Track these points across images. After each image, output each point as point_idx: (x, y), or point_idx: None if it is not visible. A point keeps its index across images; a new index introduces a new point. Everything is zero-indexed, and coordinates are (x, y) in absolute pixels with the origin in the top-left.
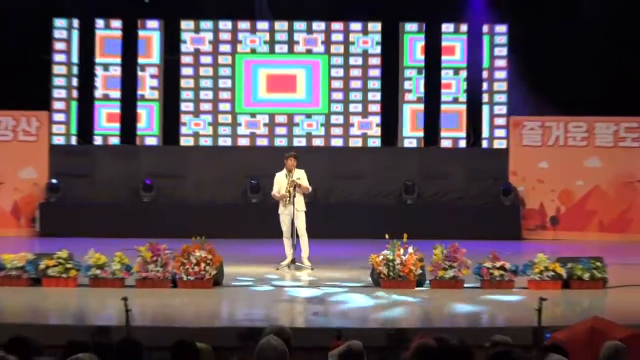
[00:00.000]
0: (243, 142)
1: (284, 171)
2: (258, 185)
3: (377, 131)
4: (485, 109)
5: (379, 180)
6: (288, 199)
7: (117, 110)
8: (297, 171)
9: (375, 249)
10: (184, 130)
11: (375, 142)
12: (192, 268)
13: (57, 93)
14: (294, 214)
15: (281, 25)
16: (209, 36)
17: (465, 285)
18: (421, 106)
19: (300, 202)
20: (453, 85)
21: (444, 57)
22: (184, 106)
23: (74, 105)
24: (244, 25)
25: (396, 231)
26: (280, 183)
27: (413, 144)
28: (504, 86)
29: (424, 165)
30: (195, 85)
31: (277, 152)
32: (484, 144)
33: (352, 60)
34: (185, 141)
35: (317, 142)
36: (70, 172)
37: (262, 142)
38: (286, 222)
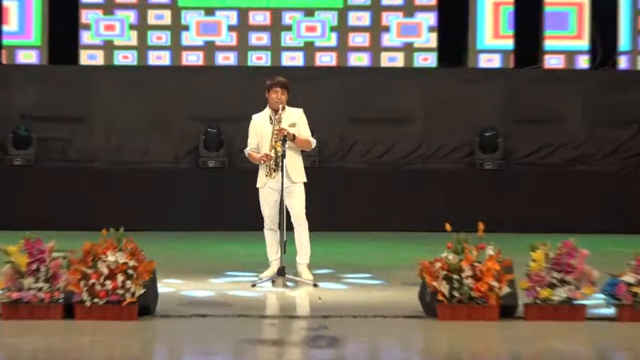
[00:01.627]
0: (192, 59)
1: (267, 112)
2: (219, 137)
3: (429, 40)
4: (625, 3)
5: (432, 128)
6: (274, 162)
7: None
8: (289, 112)
9: (425, 250)
10: (86, 38)
11: (428, 60)
12: (101, 284)
13: None
14: (283, 189)
15: None
16: None
17: (590, 314)
18: None
19: (295, 167)
20: None
21: None
22: None
23: None
24: None
25: (463, 218)
26: (260, 133)
27: (495, 62)
28: None
29: (514, 101)
30: None
31: (253, 77)
32: (622, 62)
33: None
34: (89, 57)
35: (324, 58)
36: None
37: (226, 59)
38: (270, 202)
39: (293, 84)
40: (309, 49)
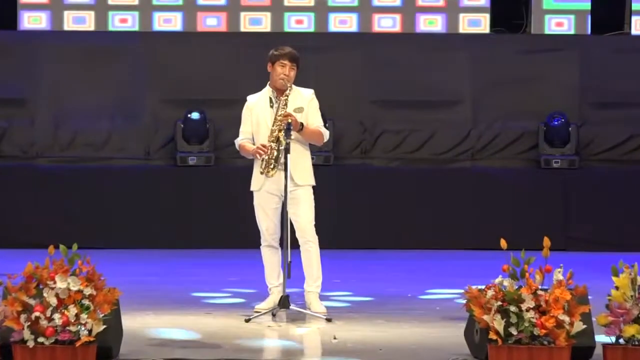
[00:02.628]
0: (167, 22)
1: (267, 92)
2: (203, 126)
3: None
4: None
5: (483, 114)
6: (275, 157)
7: None
8: (297, 93)
9: (473, 274)
10: None
11: (478, 24)
12: (47, 318)
13: None
14: (286, 192)
15: None
16: None
17: None
18: None
19: (301, 165)
20: None
21: None
22: None
23: None
24: None
25: (523, 232)
26: (257, 119)
27: (566, 27)
28: None
29: (591, 78)
30: None
31: (246, 47)
32: None
33: None
34: (33, 21)
35: (341, 22)
36: None
37: (211, 21)
38: (268, 210)
39: (303, 56)
40: (321, 9)
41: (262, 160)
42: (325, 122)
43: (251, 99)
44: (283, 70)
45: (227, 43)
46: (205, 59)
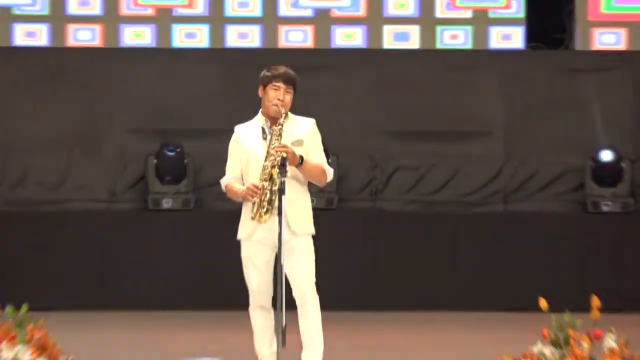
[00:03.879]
0: (136, 36)
1: (259, 121)
2: (180, 162)
3: (514, 6)
4: None
5: (518, 147)
6: (268, 199)
7: None
8: (294, 122)
9: (507, 340)
10: None
11: (511, 38)
12: None
13: None
14: (280, 242)
15: None
16: None
17: None
18: None
19: (299, 209)
20: None
21: None
22: None
23: None
24: None
25: (567, 290)
26: (246, 154)
27: (616, 41)
28: None
29: None
30: None
31: (233, 66)
32: None
33: None
34: None
35: (346, 36)
36: None
37: (190, 35)
38: (259, 263)
39: (304, 76)
40: (323, 20)
41: (254, 204)
42: (328, 157)
43: (240, 129)
44: (276, 94)
45: (209, 61)
46: (183, 80)
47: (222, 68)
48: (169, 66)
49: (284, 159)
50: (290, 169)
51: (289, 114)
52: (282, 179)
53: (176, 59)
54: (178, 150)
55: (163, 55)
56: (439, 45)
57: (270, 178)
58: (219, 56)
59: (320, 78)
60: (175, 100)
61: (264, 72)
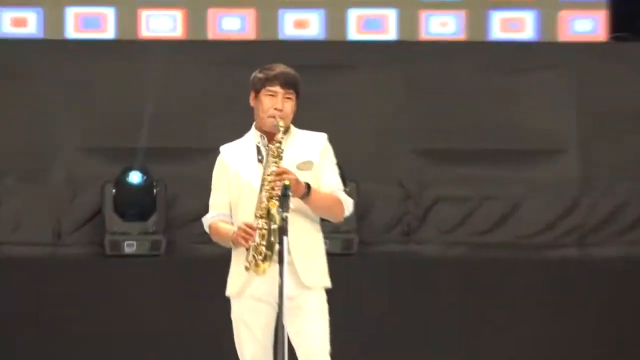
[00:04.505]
0: (85, 27)
1: (252, 139)
2: (148, 192)
3: None
4: None
5: (598, 170)
6: (267, 241)
7: None
8: (299, 139)
9: None
10: None
11: (586, 27)
12: None
13: None
14: (282, 300)
15: None
16: None
17: None
18: None
19: (309, 255)
20: None
21: None
22: None
23: None
24: None
25: None
26: (238, 183)
27: None
28: None
29: None
30: None
31: (220, 63)
32: None
33: None
34: None
35: (368, 25)
36: None
37: (160, 23)
38: (256, 327)
39: (305, 79)
40: (336, 5)
41: (248, 249)
42: (345, 184)
43: (227, 150)
44: (273, 102)
45: (186, 58)
46: (151, 82)
47: (204, 67)
48: (134, 63)
49: (285, 188)
50: (295, 201)
51: (292, 127)
52: (285, 215)
53: (143, 55)
54: (145, 176)
55: (126, 49)
56: (491, 37)
57: (269, 214)
58: (198, 51)
59: (334, 80)
60: (141, 109)
61: (255, 74)
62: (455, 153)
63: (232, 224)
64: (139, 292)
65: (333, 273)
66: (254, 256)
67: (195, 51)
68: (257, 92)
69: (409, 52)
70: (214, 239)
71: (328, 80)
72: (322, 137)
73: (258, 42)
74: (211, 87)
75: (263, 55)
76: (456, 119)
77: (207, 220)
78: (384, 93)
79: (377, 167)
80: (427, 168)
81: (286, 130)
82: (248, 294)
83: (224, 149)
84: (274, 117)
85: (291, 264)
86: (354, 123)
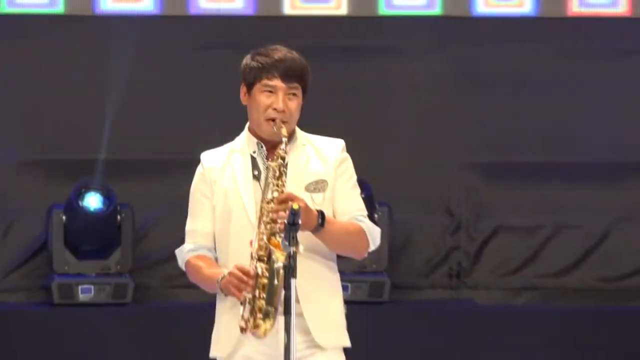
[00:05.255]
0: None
1: (244, 147)
2: (112, 216)
3: None
4: None
5: None
6: (267, 290)
7: None
8: (304, 146)
9: None
10: None
11: None
12: None
13: None
14: None
15: None
16: None
17: None
18: None
19: (324, 305)
20: None
21: None
22: None
23: None
24: None
25: None
26: (224, 204)
27: None
28: None
29: None
30: None
31: (204, 47)
32: None
33: None
34: None
35: None
36: None
37: None
38: None
39: (317, 67)
40: None
41: (243, 303)
42: (372, 210)
43: (211, 159)
44: (271, 99)
45: (162, 37)
46: (113, 72)
47: (184, 51)
48: (90, 47)
49: (293, 215)
50: (304, 235)
51: (298, 131)
52: (291, 250)
53: (103, 35)
54: (106, 198)
55: (79, 28)
56: (569, 12)
57: (269, 256)
58: (179, 28)
59: (356, 69)
60: (102, 109)
61: (247, 61)
62: (521, 168)
63: (216, 259)
64: (97, 352)
65: (356, 328)
66: (251, 313)
67: (172, 30)
68: (250, 86)
69: (458, 31)
70: (193, 279)
71: (349, 70)
72: (338, 145)
73: (257, 19)
74: (194, 79)
75: (263, 36)
76: (523, 121)
77: (183, 254)
78: (426, 86)
79: (416, 187)
80: (483, 188)
81: (290, 138)
82: (240, 355)
83: (207, 157)
84: (273, 120)
85: (300, 315)
86: (385, 126)
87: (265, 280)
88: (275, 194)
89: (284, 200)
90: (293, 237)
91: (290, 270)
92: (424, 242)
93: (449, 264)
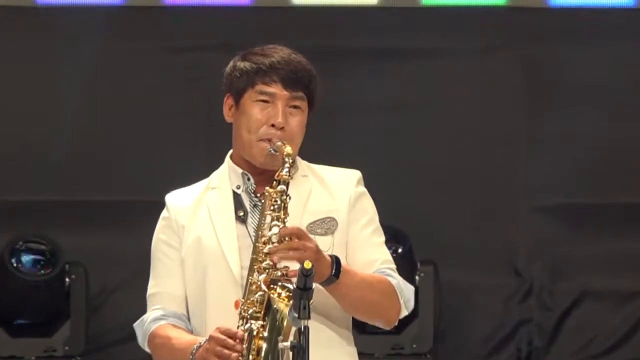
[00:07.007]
0: None
1: (226, 178)
2: (60, 279)
3: None
4: None
5: None
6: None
7: None
8: (308, 178)
9: None
10: None
11: None
12: None
13: None
14: None
15: None
16: None
17: None
18: None
19: None
20: None
21: None
22: None
23: None
24: None
25: None
26: (199, 262)
27: None
28: None
29: None
30: None
31: (179, 49)
32: None
33: None
34: None
35: None
36: None
37: None
38: None
39: (331, 78)
40: None
41: None
42: (413, 270)
43: (178, 200)
44: (268, 112)
45: (128, 35)
46: (67, 75)
47: (157, 51)
48: (38, 42)
49: (305, 279)
50: (319, 295)
51: (298, 159)
52: (302, 325)
53: (54, 29)
54: (49, 255)
55: (24, 20)
56: None
57: (267, 311)
58: (150, 23)
59: (390, 79)
60: (43, 132)
61: (236, 62)
62: (615, 212)
63: (190, 332)
64: None
65: None
66: None
67: (142, 23)
68: (239, 95)
69: (531, 25)
70: (160, 358)
71: (378, 79)
72: (352, 177)
73: (253, 11)
74: (168, 92)
75: (260, 34)
76: (619, 147)
77: (144, 327)
78: (485, 100)
79: (472, 238)
80: (562, 239)
81: (292, 166)
82: None
83: (173, 197)
84: (269, 141)
85: None
86: (427, 154)
87: (262, 343)
88: (276, 230)
89: (289, 235)
90: (305, 307)
91: (301, 351)
92: (482, 313)
93: (517, 343)
